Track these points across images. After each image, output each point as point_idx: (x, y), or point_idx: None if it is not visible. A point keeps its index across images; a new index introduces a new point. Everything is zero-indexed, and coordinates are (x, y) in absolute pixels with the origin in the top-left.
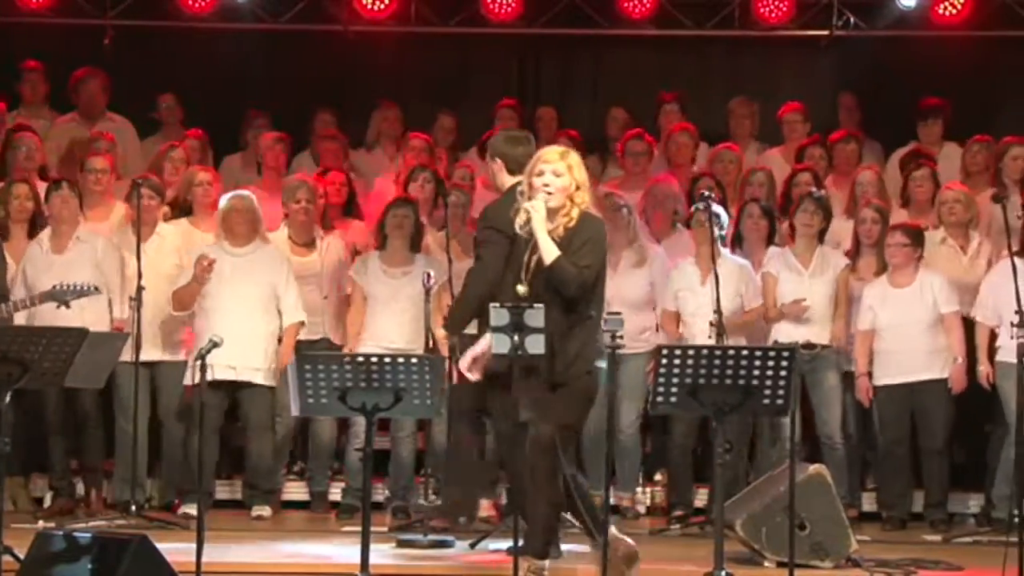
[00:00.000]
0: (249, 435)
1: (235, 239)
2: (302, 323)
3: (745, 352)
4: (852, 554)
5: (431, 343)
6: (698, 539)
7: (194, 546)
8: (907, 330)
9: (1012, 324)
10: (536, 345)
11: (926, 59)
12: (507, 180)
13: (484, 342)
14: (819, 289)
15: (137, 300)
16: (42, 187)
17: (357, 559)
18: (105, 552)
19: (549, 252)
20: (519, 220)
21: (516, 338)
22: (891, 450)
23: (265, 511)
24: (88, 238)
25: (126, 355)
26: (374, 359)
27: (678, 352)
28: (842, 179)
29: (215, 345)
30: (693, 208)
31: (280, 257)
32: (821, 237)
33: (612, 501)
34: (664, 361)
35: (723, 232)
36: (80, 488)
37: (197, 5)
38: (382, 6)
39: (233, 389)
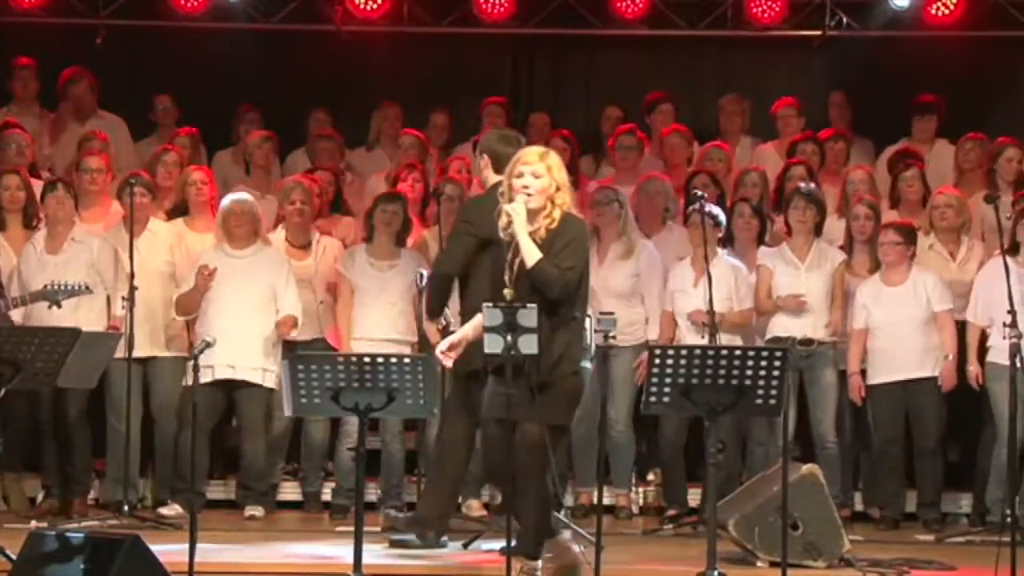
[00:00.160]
0: (244, 436)
1: (235, 242)
2: (296, 319)
3: (738, 352)
4: (845, 554)
5: (420, 342)
6: (691, 539)
7: (186, 546)
8: (901, 328)
9: (1004, 324)
10: (529, 345)
11: (918, 59)
12: (492, 177)
13: (464, 331)
14: (816, 283)
15: (130, 300)
16: (36, 185)
17: (350, 559)
18: (98, 552)
19: (531, 255)
20: (500, 222)
21: (509, 338)
22: (885, 450)
23: (258, 511)
24: (83, 238)
25: (119, 354)
26: (367, 359)
27: (671, 352)
28: (831, 178)
29: (208, 345)
30: (689, 209)
31: (280, 259)
32: (818, 231)
33: (607, 500)
34: (656, 361)
35: (723, 225)
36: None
37: (189, 5)
38: (375, 6)
39: (231, 388)
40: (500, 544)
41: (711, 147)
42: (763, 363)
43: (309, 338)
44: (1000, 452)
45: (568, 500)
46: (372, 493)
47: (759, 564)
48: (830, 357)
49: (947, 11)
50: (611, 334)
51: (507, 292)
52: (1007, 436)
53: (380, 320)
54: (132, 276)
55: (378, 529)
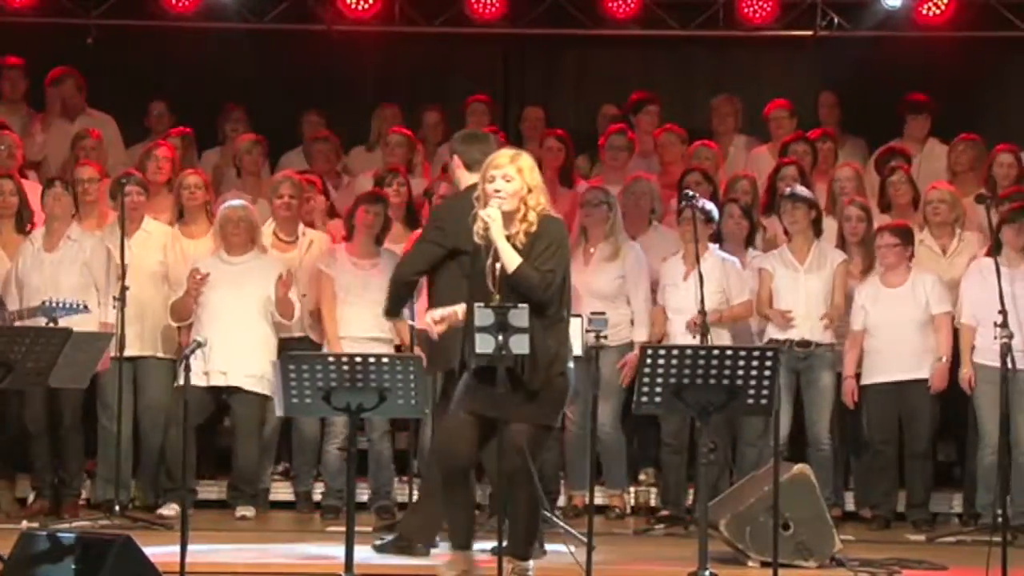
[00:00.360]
0: (236, 438)
1: (232, 249)
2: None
3: (729, 352)
4: (836, 554)
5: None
6: (682, 539)
7: (177, 546)
8: (898, 329)
9: (995, 324)
10: (520, 346)
11: (910, 59)
12: (465, 177)
13: (456, 308)
14: (814, 286)
15: (121, 300)
16: (30, 186)
17: (341, 559)
18: (88, 552)
19: (511, 260)
20: (476, 228)
21: (500, 339)
22: (879, 450)
23: (249, 511)
24: (79, 237)
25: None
26: (358, 359)
27: (662, 352)
28: (821, 177)
29: (199, 345)
30: (681, 204)
31: (277, 265)
32: (817, 230)
33: (601, 500)
34: (648, 361)
35: (715, 221)
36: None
37: (180, 5)
38: (366, 6)
39: (224, 393)
40: (491, 544)
41: (699, 146)
42: (754, 363)
43: (296, 335)
44: (984, 455)
45: (561, 500)
46: (363, 493)
47: (750, 564)
48: (828, 359)
49: (938, 11)
50: (602, 334)
51: (492, 297)
52: (989, 437)
53: (363, 319)
54: (123, 276)
55: (369, 529)
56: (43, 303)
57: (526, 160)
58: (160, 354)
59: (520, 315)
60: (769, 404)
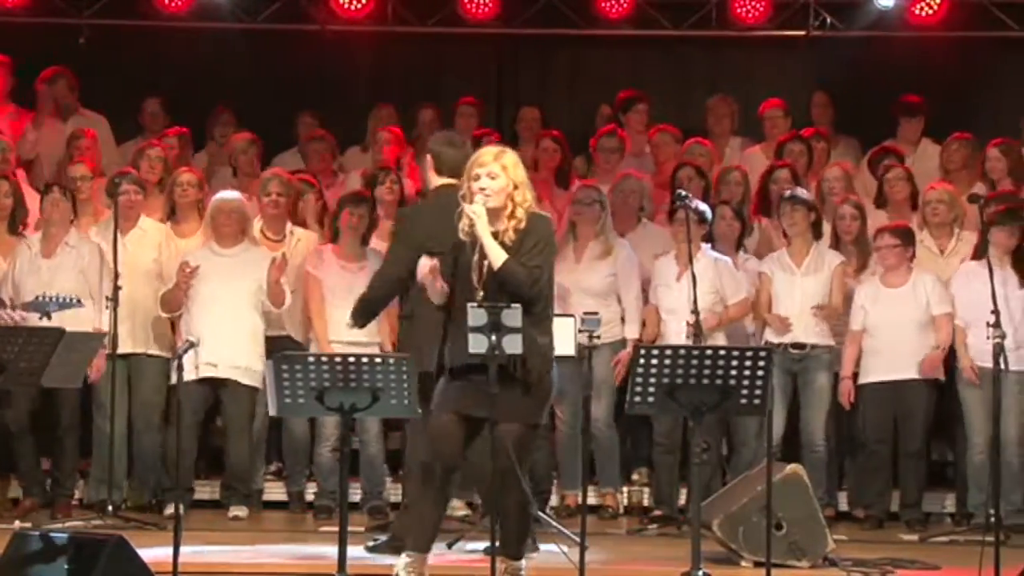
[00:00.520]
0: (228, 436)
1: (223, 240)
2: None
3: (722, 352)
4: (829, 553)
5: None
6: (675, 539)
7: (171, 546)
8: (898, 329)
9: (988, 324)
10: (514, 345)
11: (902, 59)
12: (433, 179)
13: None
14: (811, 288)
15: (114, 299)
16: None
17: (334, 559)
18: (81, 552)
19: (497, 256)
20: (462, 224)
21: (494, 338)
22: (873, 449)
23: (242, 511)
24: (77, 243)
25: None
26: (351, 359)
27: (655, 352)
28: (811, 177)
29: (192, 346)
30: (675, 204)
31: (268, 258)
32: (817, 232)
33: (594, 500)
34: (641, 361)
35: (708, 221)
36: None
37: (173, 4)
38: (359, 6)
39: (215, 387)
40: (483, 544)
41: (692, 143)
42: (747, 363)
43: (281, 333)
44: (972, 454)
45: (554, 500)
46: (355, 493)
47: (743, 564)
48: (824, 361)
49: (930, 11)
50: (595, 333)
51: (478, 293)
52: (978, 436)
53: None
54: (116, 275)
55: (362, 529)
56: (36, 298)
57: (510, 157)
58: (153, 351)
59: (513, 315)
60: (762, 404)
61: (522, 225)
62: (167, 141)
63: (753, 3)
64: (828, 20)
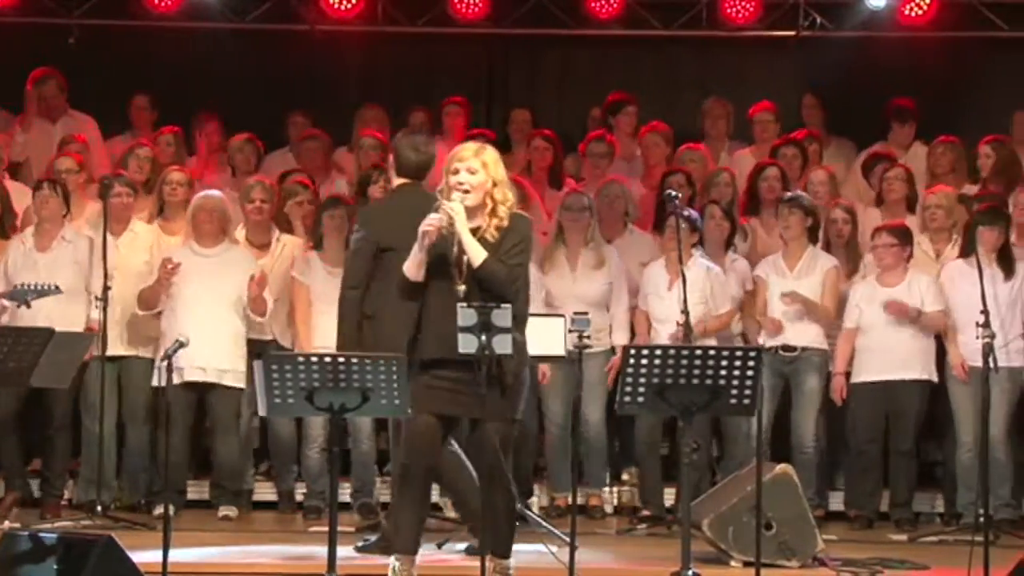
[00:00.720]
0: (216, 435)
1: (203, 239)
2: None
3: (712, 352)
4: (818, 553)
5: None
6: (665, 539)
7: (160, 547)
8: (892, 329)
9: (977, 324)
10: (503, 345)
11: (893, 60)
12: (394, 179)
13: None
14: (803, 291)
15: (104, 299)
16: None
17: (324, 559)
18: (71, 552)
19: (477, 254)
20: (441, 222)
21: (484, 338)
22: (863, 449)
23: (232, 511)
24: (73, 238)
25: (94, 352)
26: (341, 359)
27: (645, 352)
28: (800, 181)
29: (181, 346)
30: (667, 211)
31: (249, 259)
32: (813, 236)
33: (582, 500)
34: (631, 361)
35: (700, 230)
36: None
37: (163, 4)
38: (349, 5)
39: (202, 389)
40: (464, 544)
41: (685, 149)
42: (737, 363)
43: (265, 338)
44: (961, 455)
45: (544, 501)
46: (344, 493)
47: (733, 564)
48: (815, 363)
49: (920, 12)
50: (585, 334)
51: (459, 289)
52: (966, 436)
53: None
54: (106, 275)
55: (352, 529)
56: (14, 287)
57: (491, 154)
58: (143, 354)
59: (503, 315)
60: (752, 404)
61: (505, 224)
62: (163, 140)
63: (743, 3)
64: (818, 20)
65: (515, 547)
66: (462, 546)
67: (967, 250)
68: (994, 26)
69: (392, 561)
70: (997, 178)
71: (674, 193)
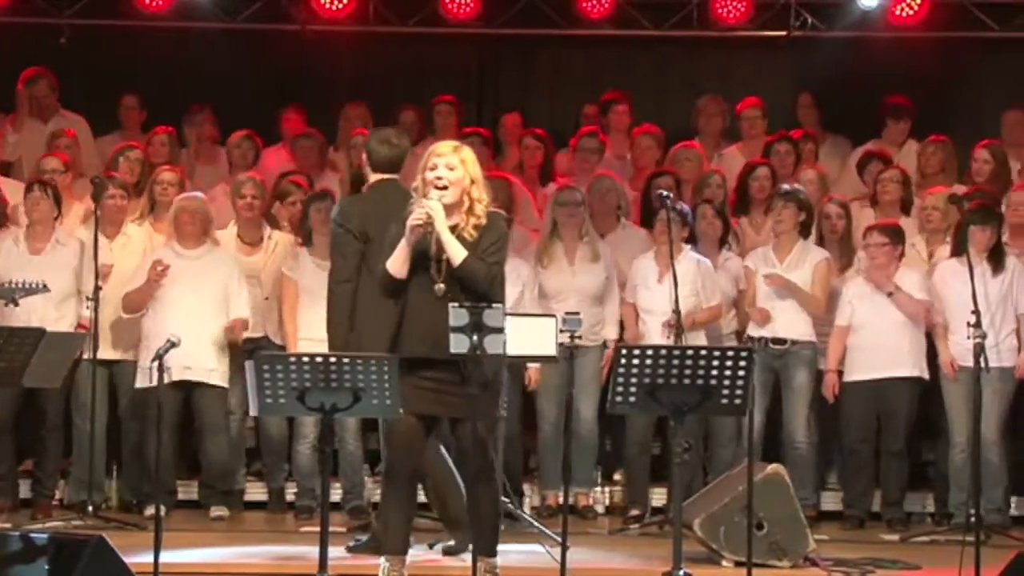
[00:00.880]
0: (204, 435)
1: (185, 241)
2: (247, 321)
3: (704, 352)
4: (810, 553)
5: None
6: (657, 539)
7: (151, 547)
8: (882, 327)
9: (968, 324)
10: (495, 345)
11: (883, 59)
12: (370, 175)
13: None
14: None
15: (94, 300)
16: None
17: (315, 559)
18: (62, 553)
19: (457, 252)
20: (414, 220)
21: (475, 338)
22: (855, 448)
23: (223, 511)
24: (66, 240)
25: (85, 355)
26: (332, 359)
27: (636, 352)
28: (793, 179)
29: (173, 345)
30: (657, 205)
31: (231, 260)
32: (805, 231)
33: (571, 500)
34: (623, 361)
35: (690, 224)
36: (25, 490)
37: (154, 4)
38: (340, 5)
39: (187, 389)
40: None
41: (680, 147)
42: (728, 363)
43: (256, 335)
44: (953, 455)
45: (535, 500)
46: (335, 493)
47: (724, 564)
48: (805, 357)
49: (911, 12)
50: (576, 333)
51: (437, 287)
52: (959, 436)
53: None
54: (97, 276)
55: (343, 530)
56: (1, 285)
57: (469, 152)
58: (131, 357)
59: (494, 315)
60: (743, 404)
61: (483, 222)
62: (157, 140)
63: (734, 3)
64: (809, 20)
65: (507, 547)
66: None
67: (959, 249)
68: (985, 26)
69: (382, 561)
70: (994, 182)
71: (666, 193)
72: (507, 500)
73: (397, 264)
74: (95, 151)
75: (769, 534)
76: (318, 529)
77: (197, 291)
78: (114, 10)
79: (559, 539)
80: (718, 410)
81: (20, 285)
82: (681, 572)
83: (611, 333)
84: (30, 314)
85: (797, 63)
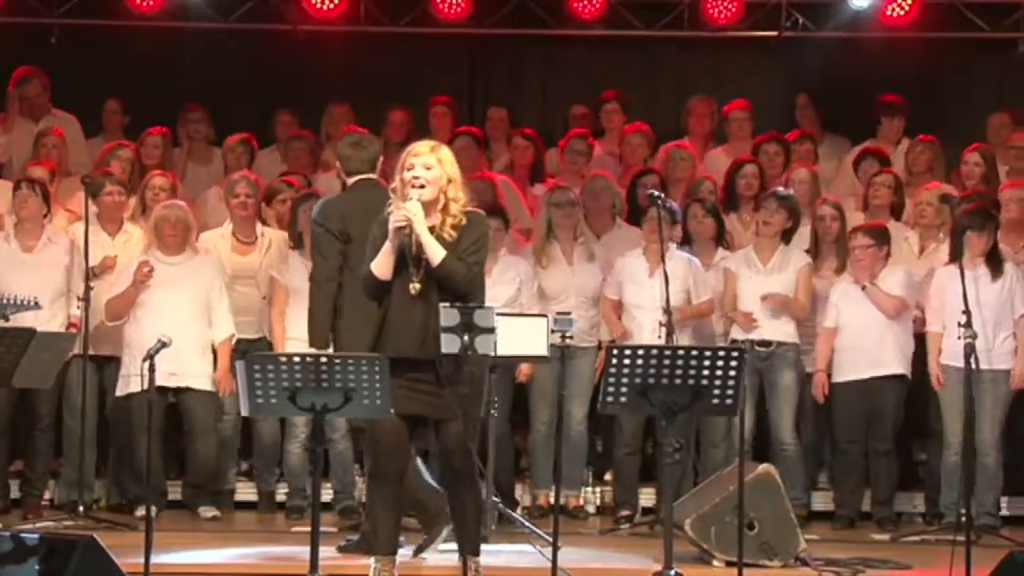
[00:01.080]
0: (193, 436)
1: (166, 249)
2: (233, 336)
3: (695, 352)
4: (800, 553)
5: None
6: (647, 539)
7: (142, 548)
8: (868, 327)
9: (959, 324)
10: (486, 345)
11: (874, 60)
12: (346, 179)
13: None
14: (776, 287)
15: (85, 299)
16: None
17: (306, 559)
18: (53, 553)
19: (436, 253)
20: (396, 220)
21: (466, 338)
22: (845, 448)
23: (212, 512)
24: (57, 239)
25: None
26: (323, 359)
27: (628, 352)
28: (783, 178)
29: (164, 345)
30: (647, 203)
31: (213, 266)
32: (787, 238)
33: (562, 500)
34: (614, 361)
35: (678, 222)
36: (15, 490)
37: (145, 4)
38: (331, 5)
39: (174, 394)
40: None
41: (674, 147)
42: (719, 363)
43: (254, 336)
44: (947, 456)
45: (526, 500)
46: (326, 493)
47: (715, 564)
48: (790, 359)
49: (902, 12)
50: (568, 334)
51: (413, 287)
52: (955, 437)
53: None
54: (87, 276)
55: (334, 530)
56: None
57: (446, 152)
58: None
59: (484, 316)
60: (734, 404)
61: (461, 222)
62: (150, 141)
63: (725, 4)
64: (800, 21)
65: (498, 547)
66: (445, 546)
67: (956, 254)
68: (975, 27)
69: (372, 562)
70: (984, 184)
71: (656, 193)
72: (497, 500)
73: (382, 266)
74: (86, 150)
75: (760, 534)
76: (309, 529)
77: (179, 296)
78: (105, 10)
79: (550, 539)
80: (709, 410)
81: (11, 301)
82: (672, 572)
83: (607, 334)
84: (21, 317)
85: (788, 63)
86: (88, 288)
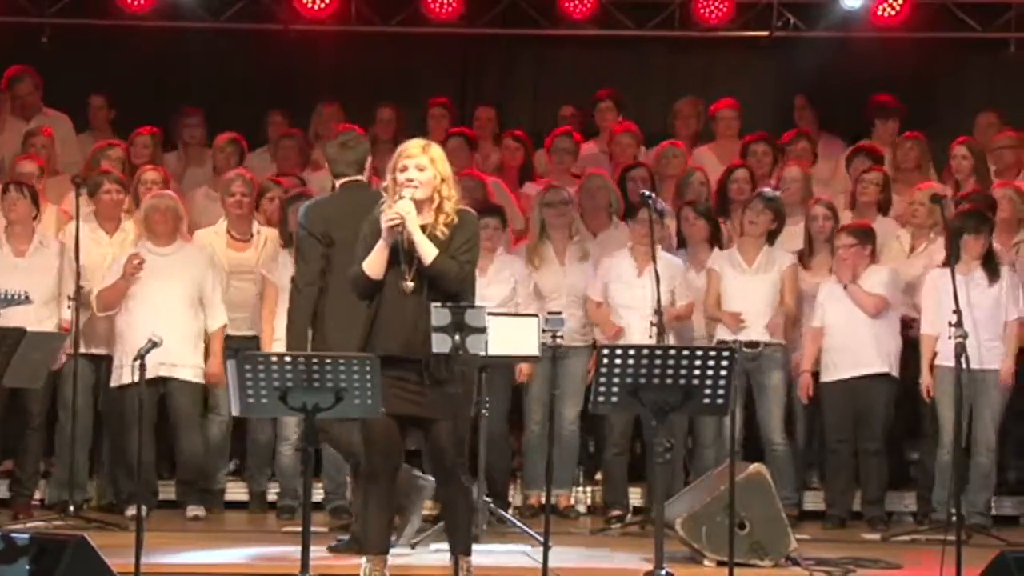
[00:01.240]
0: (179, 431)
1: (157, 239)
2: (225, 325)
3: (686, 352)
4: (791, 553)
5: None
6: (638, 538)
7: (132, 547)
8: (853, 326)
9: (949, 323)
10: (477, 345)
11: (865, 60)
12: (335, 181)
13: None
14: (761, 287)
15: (76, 299)
16: None
17: (297, 559)
18: (43, 553)
19: (428, 252)
20: (389, 220)
21: (457, 338)
22: (834, 448)
23: (201, 511)
24: (48, 242)
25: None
26: (315, 359)
27: (619, 352)
28: (773, 178)
29: (155, 345)
30: (638, 203)
31: (204, 257)
32: (771, 239)
33: (553, 500)
34: (605, 361)
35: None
36: (5, 490)
37: (136, 4)
38: (323, 5)
39: (163, 386)
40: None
41: (667, 145)
42: (710, 363)
43: (249, 333)
44: (941, 455)
45: (518, 500)
46: (317, 493)
47: (706, 563)
48: (777, 360)
49: (893, 12)
50: (559, 333)
51: (406, 285)
52: (947, 437)
53: None
54: (78, 275)
55: (325, 529)
56: None
57: (437, 150)
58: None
59: (476, 315)
60: (725, 404)
61: (453, 221)
62: (139, 141)
63: (716, 4)
64: (791, 21)
65: (489, 547)
66: (436, 545)
67: (954, 257)
68: (967, 27)
69: (363, 561)
70: (975, 179)
71: (648, 193)
72: (488, 500)
73: (374, 265)
74: (78, 149)
75: (751, 533)
76: (300, 529)
77: (170, 287)
78: (96, 9)
79: (541, 539)
80: (700, 410)
81: (3, 296)
82: (663, 572)
83: (600, 334)
84: (13, 313)
85: (780, 63)
86: (79, 288)
